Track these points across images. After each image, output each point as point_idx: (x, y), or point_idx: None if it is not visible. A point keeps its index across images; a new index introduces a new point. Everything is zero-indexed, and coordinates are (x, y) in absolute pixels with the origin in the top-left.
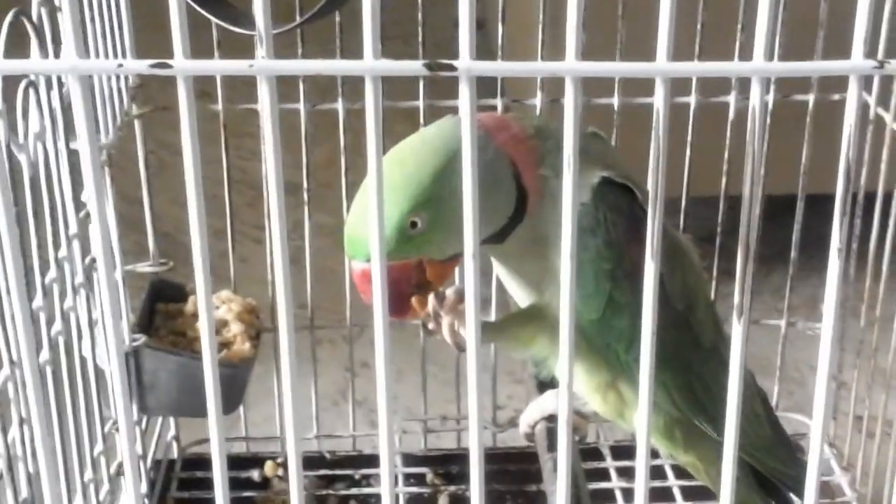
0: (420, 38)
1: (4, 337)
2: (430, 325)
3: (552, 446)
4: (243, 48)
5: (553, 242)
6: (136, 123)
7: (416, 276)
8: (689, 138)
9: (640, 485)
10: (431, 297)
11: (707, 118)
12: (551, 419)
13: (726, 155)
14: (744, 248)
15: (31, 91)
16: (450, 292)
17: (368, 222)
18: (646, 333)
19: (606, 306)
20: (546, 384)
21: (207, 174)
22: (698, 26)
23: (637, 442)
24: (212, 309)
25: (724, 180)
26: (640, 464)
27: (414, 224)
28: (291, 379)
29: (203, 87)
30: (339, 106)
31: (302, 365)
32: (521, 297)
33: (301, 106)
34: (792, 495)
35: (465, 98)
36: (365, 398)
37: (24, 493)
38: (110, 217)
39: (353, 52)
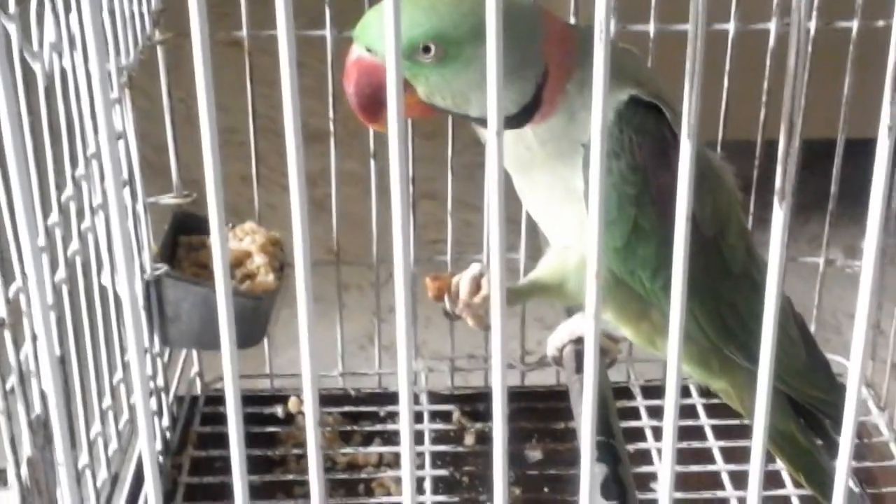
0: None
1: (17, 249)
2: (450, 309)
3: (580, 368)
4: None
5: (569, 162)
6: (159, 50)
7: None
8: (727, 68)
9: (670, 413)
10: (446, 296)
11: (744, 56)
12: (579, 342)
13: (765, 88)
14: (786, 125)
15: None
16: (464, 282)
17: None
18: (677, 267)
19: (631, 233)
20: (574, 308)
21: (236, 124)
22: None
23: (667, 370)
24: (224, 233)
25: (762, 114)
26: (671, 391)
27: (427, 49)
28: (307, 296)
29: (230, 37)
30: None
31: (329, 307)
32: (540, 214)
33: (328, 32)
34: (829, 423)
35: None
36: (392, 342)
37: (36, 409)
38: (131, 141)
39: None
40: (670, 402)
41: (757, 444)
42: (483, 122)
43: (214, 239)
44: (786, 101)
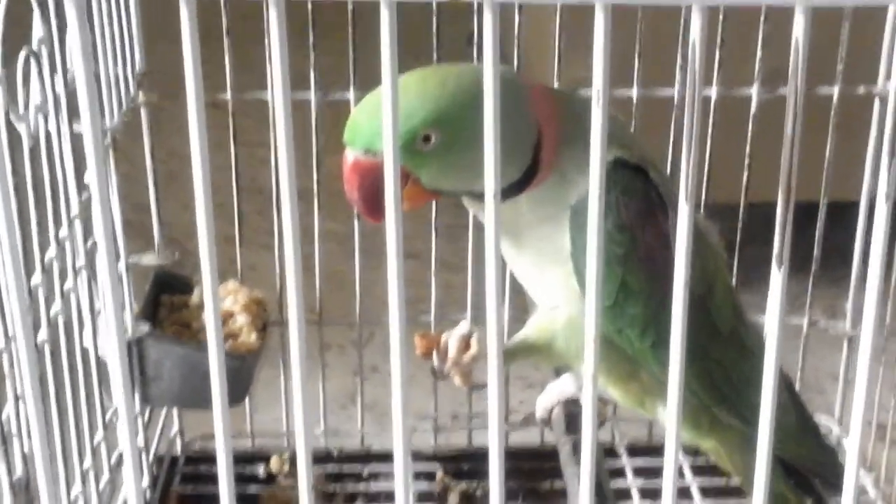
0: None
1: (0, 309)
2: (437, 368)
3: (570, 428)
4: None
5: (556, 223)
6: (143, 112)
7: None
8: (710, 132)
9: (669, 476)
10: (435, 354)
11: (725, 120)
12: (568, 403)
13: (747, 152)
14: (784, 190)
15: (33, 61)
16: (452, 341)
17: (379, 114)
18: (676, 328)
19: (619, 292)
20: (563, 369)
21: (217, 182)
22: None
23: (666, 432)
24: (217, 296)
25: (745, 176)
26: (669, 454)
27: (427, 139)
28: (300, 360)
29: (213, 98)
30: (351, 95)
31: (310, 367)
32: (525, 277)
33: (312, 96)
34: (818, 482)
35: (488, 27)
36: (375, 402)
37: (18, 471)
38: (114, 202)
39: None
40: (669, 461)
41: None
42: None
43: (207, 300)
44: (783, 166)
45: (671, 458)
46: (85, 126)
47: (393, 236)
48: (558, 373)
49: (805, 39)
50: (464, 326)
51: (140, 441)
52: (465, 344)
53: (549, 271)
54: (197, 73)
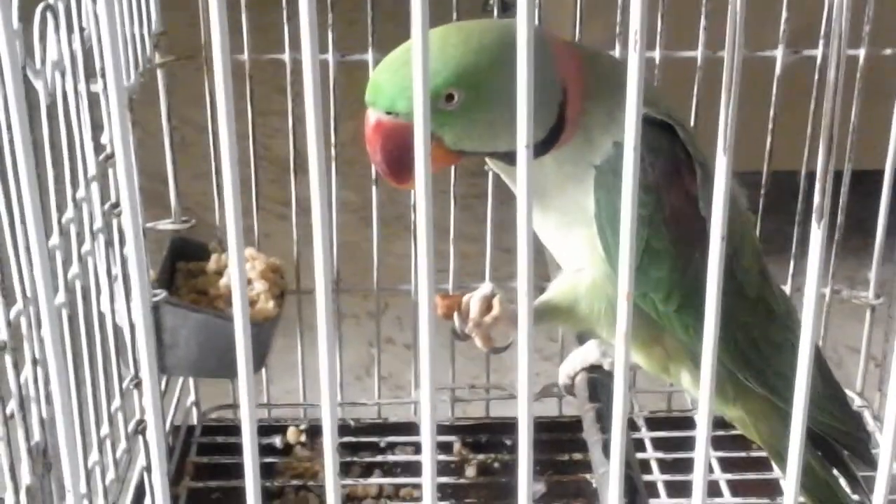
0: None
1: (18, 270)
2: (457, 329)
3: (593, 396)
4: None
5: (581, 183)
6: (159, 74)
7: None
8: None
9: (701, 445)
10: (456, 315)
11: (745, 84)
12: (592, 369)
13: (771, 116)
14: (826, 140)
15: (50, 16)
16: (474, 301)
17: (406, 75)
18: (711, 291)
19: (643, 254)
20: (586, 335)
21: None
22: None
23: (699, 402)
24: (243, 261)
25: (768, 142)
26: (702, 424)
27: (450, 97)
28: (327, 330)
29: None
30: (370, 57)
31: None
32: (550, 238)
33: (330, 57)
34: (846, 454)
35: None
36: (390, 373)
37: (36, 436)
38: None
39: None
40: (702, 428)
41: (790, 482)
42: (511, 156)
43: (233, 266)
44: (826, 118)
45: (703, 426)
46: (109, 85)
47: (423, 202)
48: (581, 340)
49: None
50: (486, 287)
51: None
52: (488, 305)
53: (574, 233)
54: (224, 34)
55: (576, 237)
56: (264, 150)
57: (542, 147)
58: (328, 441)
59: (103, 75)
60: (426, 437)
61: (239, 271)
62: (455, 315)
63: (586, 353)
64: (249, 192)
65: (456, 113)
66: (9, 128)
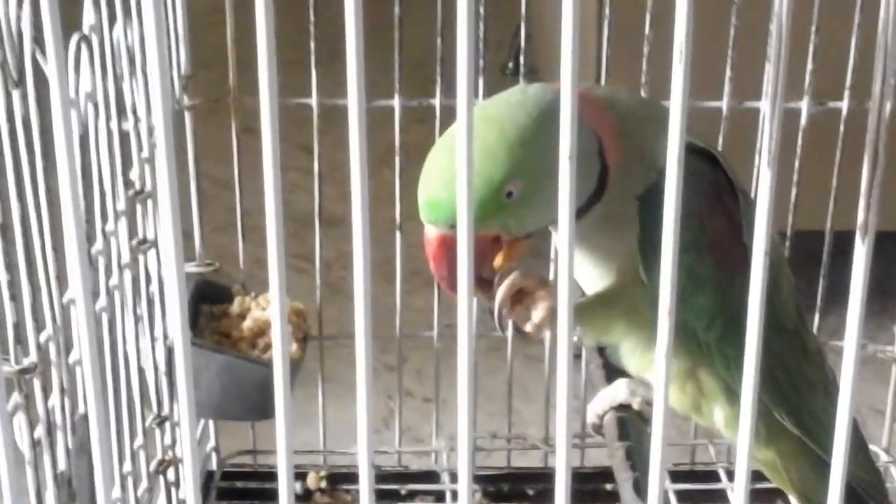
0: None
1: (49, 294)
2: (497, 309)
3: (623, 435)
4: None
5: (625, 216)
6: (186, 117)
7: (494, 251)
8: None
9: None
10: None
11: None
12: (621, 409)
13: (796, 166)
14: (871, 154)
15: (84, 47)
16: (508, 281)
17: (454, 185)
18: (753, 311)
19: (686, 280)
20: (614, 372)
21: (249, 206)
22: None
23: (738, 444)
24: (285, 304)
25: (793, 194)
26: (741, 472)
27: (510, 193)
28: (367, 371)
29: (248, 124)
30: (396, 103)
31: (344, 389)
32: (590, 280)
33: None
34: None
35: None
36: (408, 426)
37: (61, 465)
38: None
39: None
40: (741, 474)
41: None
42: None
43: (275, 310)
44: (870, 130)
45: (742, 470)
46: (157, 118)
47: (465, 315)
48: (609, 378)
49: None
50: (523, 270)
51: (178, 452)
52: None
53: (616, 267)
54: (272, 74)
55: (617, 270)
56: (284, 205)
57: (595, 197)
58: (364, 484)
59: (134, 112)
60: (463, 484)
61: (281, 310)
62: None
63: (615, 392)
64: (265, 244)
65: (518, 203)
66: (44, 155)
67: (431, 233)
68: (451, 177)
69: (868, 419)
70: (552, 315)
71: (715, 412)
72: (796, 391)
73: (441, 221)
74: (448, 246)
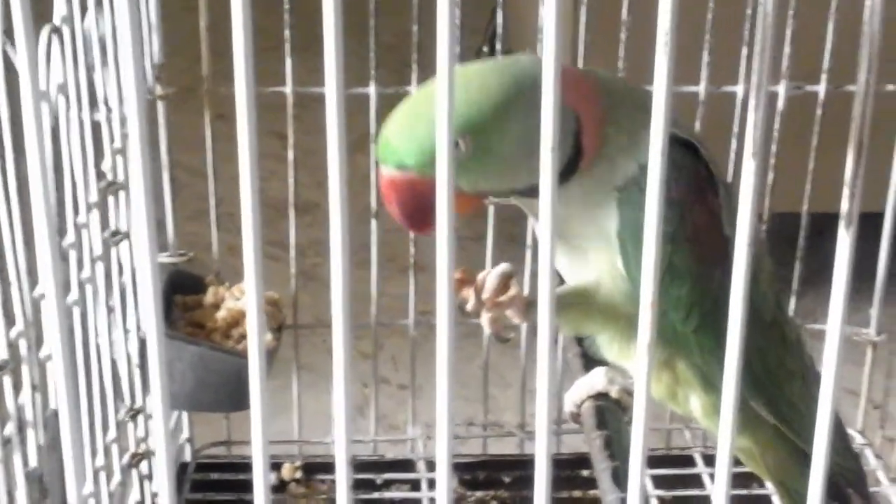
0: None
1: (20, 291)
2: (469, 308)
3: (601, 424)
4: None
5: (603, 206)
6: (159, 106)
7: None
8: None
9: (722, 474)
10: (473, 291)
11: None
12: (599, 397)
13: (773, 150)
14: (856, 146)
15: (55, 38)
16: (491, 278)
17: (411, 130)
18: (735, 299)
19: (665, 271)
20: (592, 361)
21: (223, 193)
22: None
23: (721, 417)
24: (261, 294)
25: (770, 177)
26: (722, 451)
27: (456, 144)
28: (345, 363)
29: (221, 111)
30: (372, 91)
31: (318, 377)
32: (568, 268)
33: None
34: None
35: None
36: (384, 413)
37: (32, 462)
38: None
39: None
40: (723, 461)
41: None
42: (531, 190)
43: (251, 300)
44: (855, 119)
45: (724, 458)
46: (130, 110)
47: (444, 258)
48: (587, 367)
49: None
50: (504, 266)
51: (151, 445)
52: (505, 284)
53: (594, 257)
54: (249, 61)
55: (594, 260)
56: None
57: (562, 177)
58: (342, 475)
59: (106, 103)
60: (442, 473)
61: (257, 299)
62: (470, 291)
63: (593, 381)
64: (239, 232)
65: (466, 158)
66: (14, 148)
67: (384, 173)
68: (406, 123)
69: (843, 400)
70: (530, 307)
71: (691, 401)
72: (775, 382)
73: (389, 162)
74: (396, 187)
